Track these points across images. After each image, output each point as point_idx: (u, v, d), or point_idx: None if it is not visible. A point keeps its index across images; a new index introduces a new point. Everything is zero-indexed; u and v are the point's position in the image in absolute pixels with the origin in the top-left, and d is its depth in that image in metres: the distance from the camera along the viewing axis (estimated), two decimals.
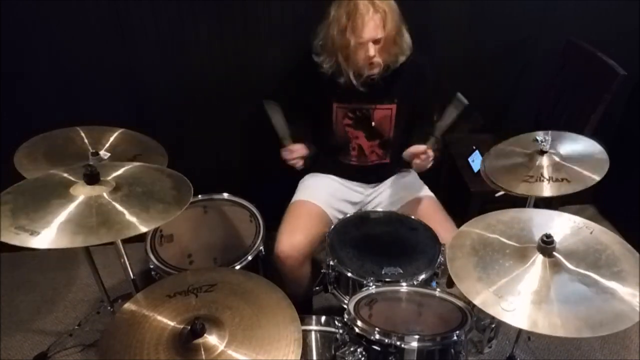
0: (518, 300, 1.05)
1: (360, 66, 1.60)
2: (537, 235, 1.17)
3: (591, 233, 1.21)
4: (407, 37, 1.65)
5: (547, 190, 1.44)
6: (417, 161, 1.62)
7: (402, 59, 1.65)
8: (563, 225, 1.24)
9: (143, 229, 1.14)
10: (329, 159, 1.87)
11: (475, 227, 1.26)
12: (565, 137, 1.60)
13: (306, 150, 1.77)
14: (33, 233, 1.07)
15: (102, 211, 1.16)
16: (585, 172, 1.44)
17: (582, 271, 1.11)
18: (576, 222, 1.25)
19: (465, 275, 1.13)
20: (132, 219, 1.15)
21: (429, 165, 1.64)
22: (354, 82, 1.63)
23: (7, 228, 1.08)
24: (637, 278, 1.08)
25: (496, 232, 1.23)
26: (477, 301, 1.06)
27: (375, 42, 1.55)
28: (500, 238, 1.22)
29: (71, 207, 1.15)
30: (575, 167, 1.46)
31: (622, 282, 1.08)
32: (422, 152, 1.58)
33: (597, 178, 1.42)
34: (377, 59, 1.58)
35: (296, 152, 1.73)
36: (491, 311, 1.04)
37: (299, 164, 1.75)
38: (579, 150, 1.54)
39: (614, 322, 1.00)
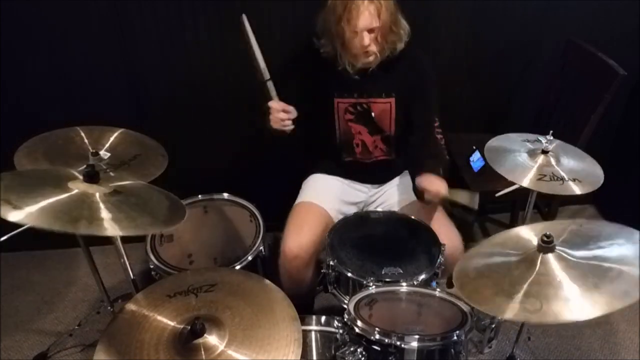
0: (542, 301, 1.03)
1: (355, 55, 1.61)
2: (533, 243, 1.17)
3: (580, 226, 1.22)
4: (404, 25, 1.64)
5: (536, 185, 1.44)
6: (427, 198, 1.57)
7: (400, 46, 1.64)
8: (555, 229, 1.24)
9: (119, 232, 1.10)
10: (333, 160, 1.87)
11: (474, 258, 1.25)
12: (569, 148, 1.61)
13: (295, 112, 1.64)
14: (16, 207, 1.03)
15: (90, 208, 1.11)
16: (579, 183, 1.45)
17: (585, 258, 1.11)
18: (563, 224, 1.25)
19: (482, 297, 1.10)
20: (111, 224, 1.09)
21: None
22: (349, 70, 1.64)
23: None
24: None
25: (495, 255, 1.22)
26: (507, 316, 1.04)
27: (370, 31, 1.55)
28: (500, 258, 1.20)
29: (63, 196, 1.11)
30: (568, 175, 1.47)
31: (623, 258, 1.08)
32: (440, 198, 1.54)
33: (579, 192, 1.43)
34: (372, 48, 1.58)
35: (288, 113, 1.62)
36: (521, 318, 1.02)
37: (289, 125, 1.62)
38: (578, 162, 1.55)
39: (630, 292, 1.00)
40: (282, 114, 1.61)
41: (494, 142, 1.62)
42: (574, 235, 1.18)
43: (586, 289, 1.03)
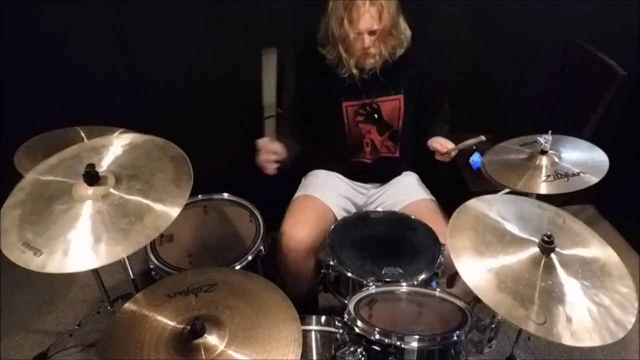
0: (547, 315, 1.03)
1: (357, 57, 1.62)
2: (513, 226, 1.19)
3: (564, 222, 1.23)
4: (405, 30, 1.66)
5: (545, 188, 1.44)
6: (439, 157, 1.70)
7: (400, 51, 1.67)
8: (532, 212, 1.25)
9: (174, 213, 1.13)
10: (338, 160, 1.86)
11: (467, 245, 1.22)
12: (567, 140, 1.61)
13: (285, 154, 1.64)
14: (37, 253, 1.05)
15: (111, 215, 1.13)
16: (584, 175, 1.44)
17: (573, 279, 1.11)
18: (547, 210, 1.26)
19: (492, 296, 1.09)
20: (156, 205, 1.14)
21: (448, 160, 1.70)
22: (355, 72, 1.64)
23: (14, 244, 1.07)
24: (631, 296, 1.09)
25: (490, 239, 1.21)
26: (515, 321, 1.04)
27: (371, 33, 1.57)
28: (499, 254, 1.18)
29: (76, 218, 1.12)
30: (575, 169, 1.46)
31: (612, 300, 1.08)
32: (448, 151, 1.65)
33: (595, 180, 1.43)
34: (373, 50, 1.60)
35: (276, 155, 1.61)
36: (520, 324, 1.02)
37: (272, 167, 1.61)
38: (579, 153, 1.55)
39: (592, 337, 1.02)
40: (267, 156, 1.59)
41: (491, 156, 1.62)
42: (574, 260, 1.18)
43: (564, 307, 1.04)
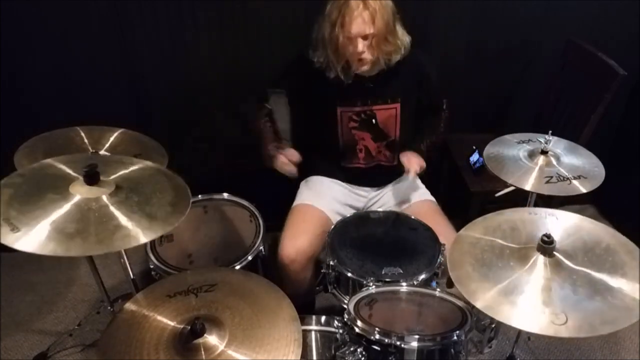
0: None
1: (348, 62, 1.60)
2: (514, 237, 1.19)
3: (557, 219, 1.23)
4: (402, 36, 1.63)
5: (548, 189, 1.44)
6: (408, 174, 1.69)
7: (396, 57, 1.64)
8: (523, 219, 1.25)
9: (143, 239, 1.11)
10: (335, 165, 1.86)
11: (467, 258, 1.22)
12: (566, 144, 1.61)
13: (299, 157, 1.69)
14: (14, 229, 1.04)
15: (99, 216, 1.12)
16: (577, 183, 1.45)
17: (583, 269, 1.10)
18: (537, 213, 1.26)
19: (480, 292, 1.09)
20: (131, 226, 1.12)
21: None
22: (342, 77, 1.63)
23: None
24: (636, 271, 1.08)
25: (488, 251, 1.21)
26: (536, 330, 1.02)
27: (364, 37, 1.54)
28: (498, 261, 1.18)
29: (65, 207, 1.12)
30: (569, 174, 1.47)
31: (624, 277, 1.07)
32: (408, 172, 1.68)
33: (584, 190, 1.43)
34: (366, 55, 1.57)
35: (294, 158, 1.67)
36: (546, 331, 1.00)
37: (295, 171, 1.67)
38: (577, 159, 1.55)
39: (619, 318, 1.00)
40: (287, 166, 1.66)
41: (492, 149, 1.61)
42: (573, 245, 1.18)
43: (577, 303, 1.03)
